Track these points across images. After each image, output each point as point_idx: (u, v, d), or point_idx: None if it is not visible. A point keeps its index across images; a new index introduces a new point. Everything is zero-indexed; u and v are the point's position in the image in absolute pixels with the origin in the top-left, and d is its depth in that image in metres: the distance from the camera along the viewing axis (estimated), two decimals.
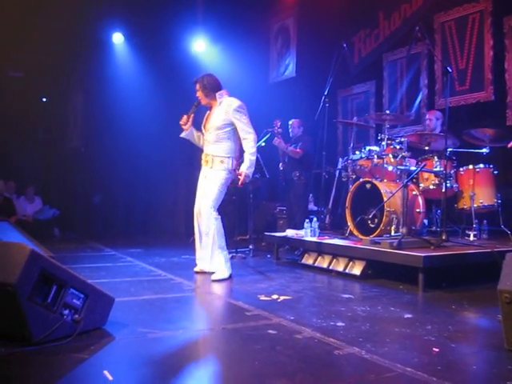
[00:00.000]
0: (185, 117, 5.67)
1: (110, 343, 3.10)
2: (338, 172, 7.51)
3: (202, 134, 5.71)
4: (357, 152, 6.52)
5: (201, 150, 5.74)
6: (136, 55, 10.57)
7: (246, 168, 5.35)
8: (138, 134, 10.44)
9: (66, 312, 3.04)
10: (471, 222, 6.08)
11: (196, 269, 5.74)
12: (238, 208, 7.98)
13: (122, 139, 10.70)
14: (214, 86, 5.58)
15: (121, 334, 3.26)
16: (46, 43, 9.68)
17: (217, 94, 5.55)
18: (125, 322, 3.49)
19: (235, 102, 5.45)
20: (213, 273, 5.35)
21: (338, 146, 9.40)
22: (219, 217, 5.42)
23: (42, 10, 8.87)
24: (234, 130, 5.46)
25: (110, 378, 2.50)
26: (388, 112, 6.89)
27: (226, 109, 5.43)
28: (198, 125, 5.77)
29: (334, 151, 9.07)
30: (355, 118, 7.48)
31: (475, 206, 6.10)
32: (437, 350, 3.01)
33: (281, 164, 8.00)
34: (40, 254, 2.94)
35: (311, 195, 8.17)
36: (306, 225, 6.40)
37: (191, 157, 10.29)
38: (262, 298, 4.45)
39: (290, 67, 10.13)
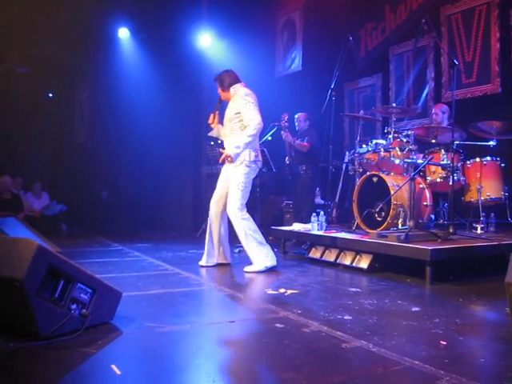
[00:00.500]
0: (211, 115, 5.75)
1: (117, 338, 3.11)
2: (344, 165, 7.50)
3: None
4: (363, 145, 6.50)
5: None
6: (142, 50, 10.57)
7: (231, 147, 5.39)
8: (144, 129, 10.46)
9: (74, 307, 3.05)
10: (478, 214, 6.05)
11: (201, 262, 5.81)
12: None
13: (128, 134, 10.72)
14: (230, 82, 5.60)
15: (128, 328, 3.27)
16: (52, 39, 9.70)
17: (231, 88, 5.58)
18: (132, 317, 3.50)
19: (242, 91, 5.49)
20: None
21: (345, 139, 9.37)
22: (247, 215, 5.45)
23: (47, 5, 8.88)
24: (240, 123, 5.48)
25: (118, 372, 2.51)
26: (394, 105, 6.87)
27: (235, 99, 5.49)
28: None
29: (341, 145, 9.05)
30: (362, 112, 7.45)
31: (482, 198, 6.08)
32: (444, 343, 3.00)
33: (287, 158, 8.00)
34: (47, 250, 2.95)
35: (318, 189, 8.16)
36: (312, 219, 6.40)
37: (198, 152, 10.33)
38: (270, 291, 4.46)
39: (296, 61, 10.10)
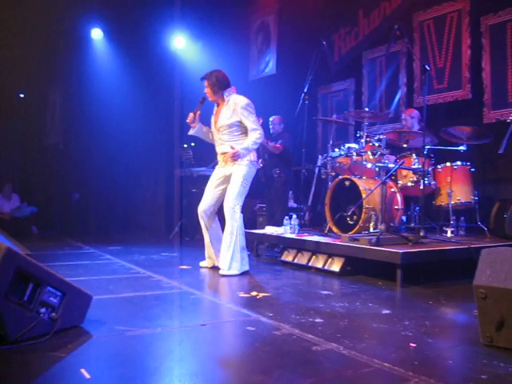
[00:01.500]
0: (191, 114, 5.65)
1: (87, 341, 3.08)
2: (317, 169, 7.52)
3: (211, 130, 5.74)
4: (336, 149, 6.55)
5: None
6: (115, 51, 10.50)
7: (241, 147, 5.40)
8: (117, 131, 10.39)
9: (43, 310, 3.01)
10: (449, 218, 6.14)
11: (202, 264, 5.94)
12: None
13: (101, 136, 10.62)
14: (222, 83, 5.54)
15: (98, 332, 3.24)
16: (23, 38, 9.58)
17: (225, 92, 5.54)
18: (103, 320, 3.47)
19: (242, 100, 5.46)
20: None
21: (318, 143, 9.43)
22: (241, 215, 5.46)
23: (19, 5, 8.77)
24: (245, 129, 5.49)
25: (87, 376, 2.48)
26: (367, 109, 6.93)
27: (233, 107, 5.44)
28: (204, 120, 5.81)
29: (314, 148, 9.10)
30: (334, 116, 7.51)
31: (452, 202, 6.17)
32: (414, 345, 3.03)
33: (260, 161, 8.00)
34: (16, 252, 2.91)
35: (291, 192, 8.19)
36: (285, 222, 6.42)
37: (171, 154, 10.28)
38: (241, 294, 4.46)
39: (270, 64, 10.13)
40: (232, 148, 5.43)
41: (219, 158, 5.67)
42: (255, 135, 5.41)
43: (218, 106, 5.67)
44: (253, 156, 5.53)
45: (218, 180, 5.67)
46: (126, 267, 6.04)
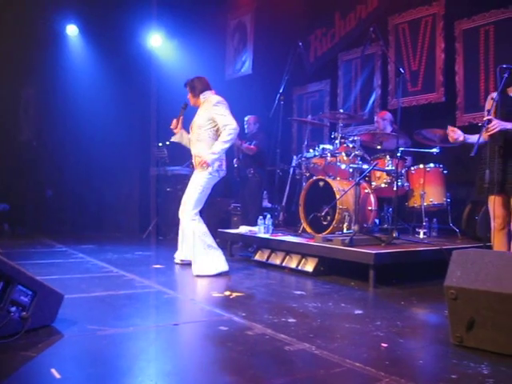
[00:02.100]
0: (174, 121, 5.76)
1: (58, 341, 3.05)
2: (292, 169, 7.54)
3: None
4: (311, 150, 6.57)
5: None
6: (91, 48, 10.38)
7: (209, 152, 5.37)
8: (91, 128, 10.27)
9: (13, 309, 2.97)
10: (421, 220, 6.21)
11: (176, 260, 6.05)
12: None
13: (75, 133, 10.49)
14: (201, 88, 5.62)
15: (70, 331, 3.21)
16: None
17: (201, 95, 5.62)
18: (74, 320, 3.44)
19: (214, 98, 5.51)
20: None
21: (293, 143, 9.46)
22: (197, 217, 5.47)
23: None
24: (217, 130, 5.46)
25: (58, 376, 2.46)
26: (342, 111, 6.98)
27: (206, 106, 5.51)
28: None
29: (289, 149, 9.13)
30: (309, 117, 7.54)
31: (425, 204, 6.24)
32: (385, 345, 3.06)
33: (235, 160, 7.99)
34: None
35: (265, 192, 8.20)
36: (259, 222, 6.42)
37: (146, 152, 10.22)
38: (215, 294, 4.46)
39: (246, 64, 10.13)
40: (198, 157, 5.45)
41: (193, 159, 5.71)
42: (226, 132, 5.35)
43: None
44: (217, 165, 5.46)
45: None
46: (98, 266, 5.99)
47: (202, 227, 5.48)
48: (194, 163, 5.61)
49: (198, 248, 5.38)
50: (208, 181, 5.47)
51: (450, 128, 4.49)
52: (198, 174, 5.47)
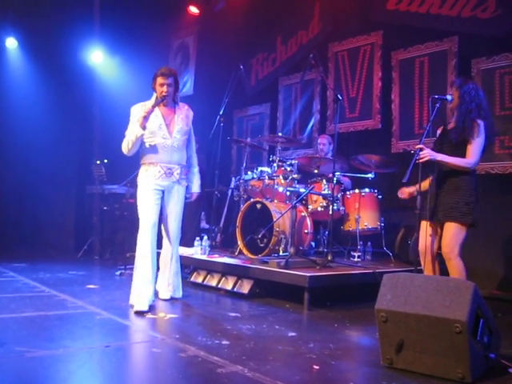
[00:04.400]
0: (150, 108, 4.78)
1: None
2: (230, 191, 7.57)
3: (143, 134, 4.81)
4: (249, 172, 6.62)
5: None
6: (30, 62, 10.16)
7: (198, 186, 5.27)
8: (27, 145, 10.02)
9: None
10: (356, 243, 6.32)
11: (142, 307, 4.59)
12: (129, 224, 7.84)
13: (10, 149, 10.23)
14: (179, 85, 5.14)
15: None
16: None
17: (176, 94, 5.04)
18: (1, 341, 3.33)
19: (191, 111, 5.16)
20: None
21: (232, 165, 9.50)
22: None
23: None
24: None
25: None
26: (280, 134, 7.08)
27: (187, 113, 5.06)
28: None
29: (228, 170, 9.15)
30: (249, 139, 7.59)
31: (360, 228, 6.36)
32: (317, 367, 3.09)
33: None
34: None
35: (203, 213, 8.17)
36: (196, 243, 6.39)
37: (83, 170, 10.04)
38: (149, 315, 4.40)
39: (187, 85, 10.15)
40: (178, 167, 4.93)
41: (160, 167, 4.85)
42: (196, 159, 5.26)
43: (158, 107, 4.89)
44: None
45: (158, 195, 4.92)
46: (29, 285, 5.81)
47: None
48: (166, 173, 4.87)
49: (179, 271, 5.29)
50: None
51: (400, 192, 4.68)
52: (182, 189, 5.04)
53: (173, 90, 4.91)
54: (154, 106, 4.80)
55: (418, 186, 4.34)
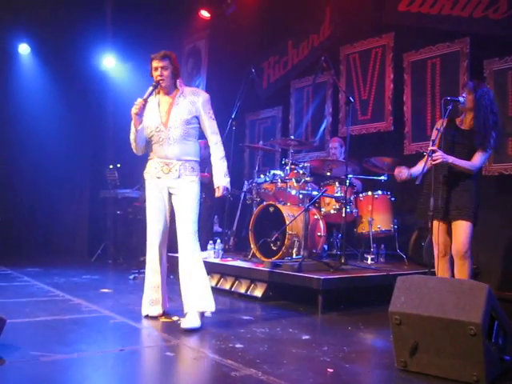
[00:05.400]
0: (140, 101, 4.24)
1: None
2: (243, 194, 7.58)
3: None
4: (261, 175, 6.62)
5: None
6: (43, 67, 10.23)
7: (223, 176, 4.40)
8: (40, 150, 10.09)
9: None
10: (369, 246, 6.31)
11: (153, 313, 4.50)
12: (142, 228, 7.85)
13: (23, 155, 10.30)
14: (179, 72, 4.47)
15: (11, 357, 3.12)
16: None
17: (178, 81, 4.47)
18: (17, 345, 3.35)
19: (203, 93, 4.49)
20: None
21: (245, 168, 9.51)
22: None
23: None
24: (197, 128, 4.44)
25: None
26: (293, 137, 7.08)
27: (191, 99, 4.37)
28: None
29: (240, 174, 9.16)
30: (261, 142, 7.60)
31: (373, 230, 6.34)
32: (331, 370, 3.08)
33: None
34: None
35: (216, 217, 8.19)
36: (209, 246, 6.41)
37: (97, 175, 10.09)
38: (163, 319, 4.41)
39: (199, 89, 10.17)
40: (184, 161, 4.33)
41: (158, 164, 4.37)
42: (221, 146, 4.52)
43: (158, 96, 4.45)
44: (199, 171, 4.46)
45: (161, 195, 4.42)
46: (44, 290, 5.86)
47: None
48: (166, 169, 4.33)
49: (207, 280, 4.39)
50: (200, 194, 4.43)
51: (396, 171, 4.62)
52: (188, 185, 4.30)
53: (170, 74, 4.35)
54: (145, 98, 4.25)
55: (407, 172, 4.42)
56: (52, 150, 10.03)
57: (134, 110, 4.23)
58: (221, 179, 4.40)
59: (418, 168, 4.45)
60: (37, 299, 5.23)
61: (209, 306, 4.21)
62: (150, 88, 4.30)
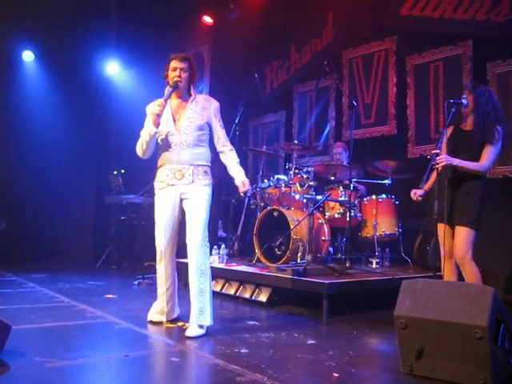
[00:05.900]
0: (162, 101, 4.17)
1: (4, 373, 2.97)
2: (247, 199, 7.57)
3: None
4: (265, 180, 6.63)
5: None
6: (47, 75, 10.28)
7: (244, 175, 4.42)
8: (44, 156, 10.11)
9: None
10: (374, 249, 6.29)
11: (155, 320, 4.52)
12: (146, 233, 7.87)
13: (27, 161, 10.33)
14: (195, 76, 4.49)
15: (17, 363, 3.13)
16: None
17: (192, 86, 4.46)
18: (22, 351, 3.35)
19: (215, 101, 4.47)
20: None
21: (248, 173, 9.38)
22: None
23: None
24: (208, 135, 4.41)
25: None
26: (296, 142, 7.07)
27: (204, 105, 4.37)
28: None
29: None
30: (264, 147, 7.60)
31: (378, 234, 6.34)
32: (337, 375, 3.07)
33: None
34: None
35: (220, 222, 8.19)
36: (213, 251, 6.40)
37: (101, 180, 10.11)
38: (167, 325, 4.40)
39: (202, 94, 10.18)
40: (197, 166, 4.29)
41: (169, 170, 4.30)
42: (235, 153, 4.50)
43: (170, 100, 4.33)
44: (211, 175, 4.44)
45: (173, 203, 4.35)
46: (49, 296, 5.86)
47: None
48: (179, 175, 4.26)
49: (211, 291, 4.27)
50: (210, 195, 4.37)
51: (411, 192, 4.62)
52: (201, 189, 4.26)
53: (188, 78, 4.32)
54: (166, 99, 4.20)
55: (427, 186, 4.38)
56: (56, 156, 10.05)
57: (154, 110, 4.15)
58: (243, 176, 4.43)
59: (430, 184, 4.46)
60: (42, 305, 5.23)
61: (206, 320, 4.12)
62: (169, 89, 4.25)
